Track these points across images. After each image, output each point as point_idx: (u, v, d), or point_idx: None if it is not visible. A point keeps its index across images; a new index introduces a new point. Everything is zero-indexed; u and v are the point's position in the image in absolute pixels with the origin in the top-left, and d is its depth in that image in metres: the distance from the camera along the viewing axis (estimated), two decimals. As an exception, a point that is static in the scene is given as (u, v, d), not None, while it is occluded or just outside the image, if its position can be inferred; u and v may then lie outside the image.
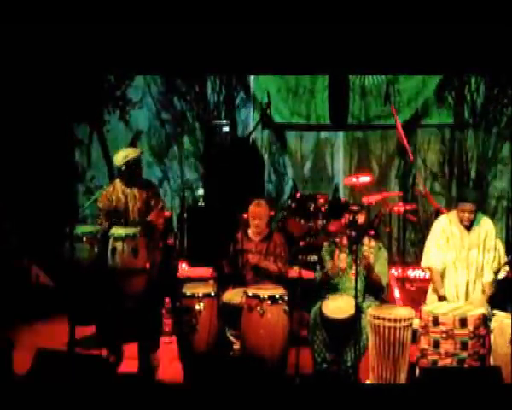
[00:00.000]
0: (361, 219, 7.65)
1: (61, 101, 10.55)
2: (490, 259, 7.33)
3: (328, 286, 7.66)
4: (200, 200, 10.94)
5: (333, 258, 7.71)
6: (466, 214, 7.31)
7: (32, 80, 9.68)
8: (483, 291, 7.26)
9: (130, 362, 7.42)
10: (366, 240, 7.64)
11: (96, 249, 7.93)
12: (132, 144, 10.66)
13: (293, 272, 7.79)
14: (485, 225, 7.42)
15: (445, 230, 7.49)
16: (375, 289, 7.63)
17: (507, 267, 7.34)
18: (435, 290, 7.43)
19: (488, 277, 7.29)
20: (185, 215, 11.00)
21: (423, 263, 7.63)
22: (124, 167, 8.03)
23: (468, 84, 11.48)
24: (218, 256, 8.11)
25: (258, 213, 8.03)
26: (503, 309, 7.05)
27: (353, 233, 7.60)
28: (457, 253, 7.40)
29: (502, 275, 7.32)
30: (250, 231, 8.13)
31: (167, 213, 9.43)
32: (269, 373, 6.21)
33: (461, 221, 7.38)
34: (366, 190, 9.63)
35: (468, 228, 7.38)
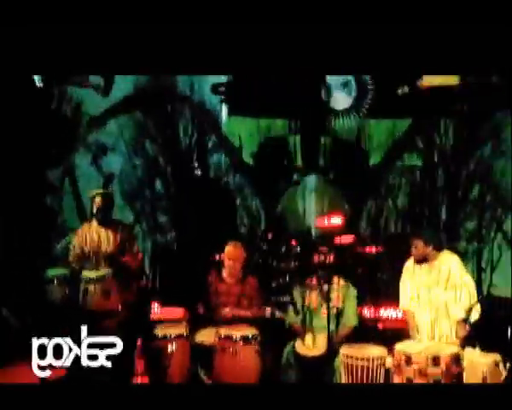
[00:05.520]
0: (330, 259, 7.68)
1: (32, 146, 10.54)
2: (458, 296, 7.17)
3: (301, 325, 7.69)
4: (172, 242, 10.95)
5: (304, 299, 7.77)
6: (413, 249, 7.34)
7: (3, 125, 9.67)
8: (456, 335, 7.17)
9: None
10: (335, 279, 7.71)
11: (67, 292, 7.91)
12: (104, 187, 10.65)
13: (266, 312, 7.81)
14: (447, 261, 7.29)
15: (408, 269, 7.49)
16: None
17: (478, 307, 7.28)
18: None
19: (458, 313, 7.13)
20: (157, 257, 11.02)
21: (399, 306, 7.64)
22: (93, 206, 8.13)
23: (437, 127, 11.60)
24: (191, 297, 8.08)
25: (233, 255, 7.97)
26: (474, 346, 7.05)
27: (323, 273, 7.69)
28: (418, 292, 7.38)
29: (475, 316, 7.24)
30: (224, 273, 8.08)
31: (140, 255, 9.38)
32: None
33: None
34: (338, 232, 9.67)
35: (428, 266, 7.35)
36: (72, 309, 7.81)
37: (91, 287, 7.80)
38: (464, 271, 7.30)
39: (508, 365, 6.76)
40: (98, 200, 8.20)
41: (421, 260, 7.31)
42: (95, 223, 8.22)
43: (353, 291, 7.78)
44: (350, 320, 7.71)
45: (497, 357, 6.77)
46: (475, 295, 7.18)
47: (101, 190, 8.41)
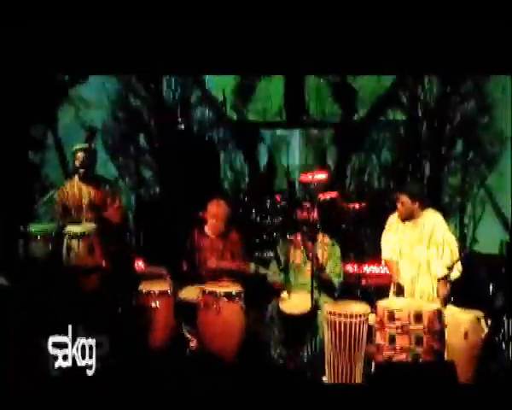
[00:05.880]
0: (314, 215, 7.66)
1: (14, 101, 10.42)
2: (440, 254, 7.10)
3: (284, 282, 7.71)
4: (156, 197, 10.91)
5: (287, 255, 7.77)
6: (399, 205, 7.29)
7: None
8: (437, 294, 7.11)
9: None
10: (320, 236, 7.70)
11: (50, 247, 7.90)
12: (87, 142, 10.57)
13: (250, 268, 7.84)
14: (431, 219, 7.20)
15: (391, 224, 7.44)
16: (327, 288, 7.68)
17: (460, 266, 7.25)
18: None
19: (439, 271, 7.09)
20: (141, 213, 10.99)
21: (382, 257, 7.61)
22: (75, 161, 8.08)
23: (421, 82, 11.53)
24: (175, 254, 8.08)
25: (216, 213, 7.94)
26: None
27: (307, 230, 7.67)
28: (401, 247, 7.35)
29: (455, 275, 7.22)
30: (206, 228, 8.06)
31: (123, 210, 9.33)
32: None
33: None
34: (322, 187, 9.65)
35: (412, 224, 7.31)
36: (56, 265, 7.81)
37: (75, 243, 7.80)
38: (447, 229, 7.27)
39: (489, 321, 6.83)
40: (80, 155, 8.16)
41: (406, 217, 7.27)
42: (76, 178, 8.19)
43: (337, 250, 7.77)
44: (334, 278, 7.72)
45: (478, 313, 6.84)
46: (457, 253, 7.16)
47: (82, 145, 8.36)
